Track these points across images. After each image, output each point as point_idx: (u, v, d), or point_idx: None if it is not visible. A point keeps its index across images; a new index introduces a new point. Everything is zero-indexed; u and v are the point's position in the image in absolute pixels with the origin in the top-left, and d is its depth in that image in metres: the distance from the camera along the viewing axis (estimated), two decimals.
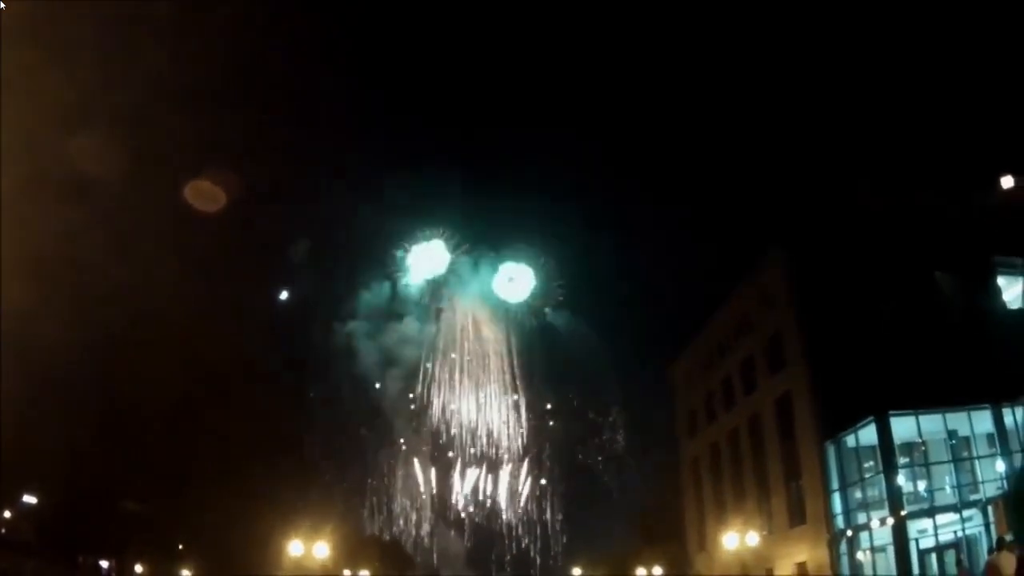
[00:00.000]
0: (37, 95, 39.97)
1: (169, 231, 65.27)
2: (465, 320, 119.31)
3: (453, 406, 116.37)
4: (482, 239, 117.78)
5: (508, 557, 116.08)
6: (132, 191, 54.47)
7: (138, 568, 66.93)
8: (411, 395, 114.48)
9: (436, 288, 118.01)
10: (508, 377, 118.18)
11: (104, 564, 64.71)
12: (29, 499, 57.37)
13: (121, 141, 51.98)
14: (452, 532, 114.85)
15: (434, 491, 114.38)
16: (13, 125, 35.42)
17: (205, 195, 64.36)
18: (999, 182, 39.41)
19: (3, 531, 52.97)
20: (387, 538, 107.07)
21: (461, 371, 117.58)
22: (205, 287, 71.25)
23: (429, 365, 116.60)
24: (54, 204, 44.35)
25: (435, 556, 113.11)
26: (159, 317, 60.28)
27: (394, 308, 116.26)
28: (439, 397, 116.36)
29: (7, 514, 55.63)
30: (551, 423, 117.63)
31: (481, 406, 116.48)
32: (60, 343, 47.45)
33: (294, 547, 50.39)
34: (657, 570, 68.40)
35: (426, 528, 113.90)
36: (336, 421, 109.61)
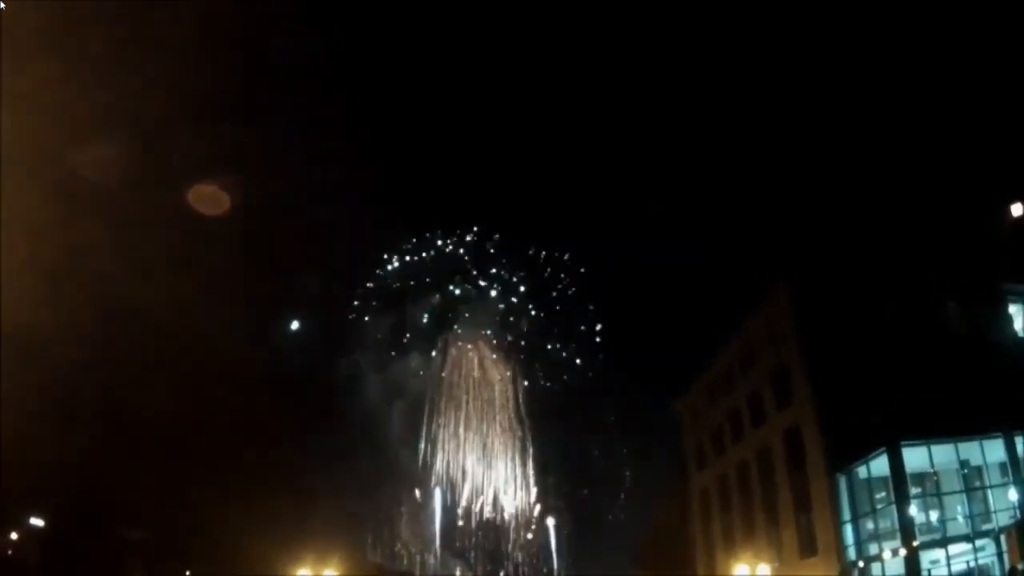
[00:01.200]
0: (39, 99, 40.31)
1: (173, 241, 64.87)
2: (471, 352, 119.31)
3: (457, 441, 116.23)
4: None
5: None
6: (135, 196, 54.39)
7: None
8: (418, 423, 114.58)
9: (442, 316, 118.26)
10: (512, 411, 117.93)
11: None
12: (36, 521, 57.25)
13: (124, 146, 52.14)
14: (458, 563, 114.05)
15: (439, 521, 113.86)
16: (15, 129, 35.68)
17: (208, 200, 64.43)
18: (1008, 210, 39.69)
19: (9, 552, 52.81)
20: (394, 567, 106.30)
21: (466, 404, 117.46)
22: (206, 303, 71.18)
23: (434, 397, 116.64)
24: (55, 207, 44.43)
25: None
26: (161, 331, 60.19)
27: (399, 338, 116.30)
28: (443, 430, 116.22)
29: (14, 536, 55.49)
30: (556, 456, 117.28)
31: (486, 440, 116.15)
32: (60, 357, 47.43)
33: None
34: None
35: (431, 561, 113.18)
36: (339, 450, 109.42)
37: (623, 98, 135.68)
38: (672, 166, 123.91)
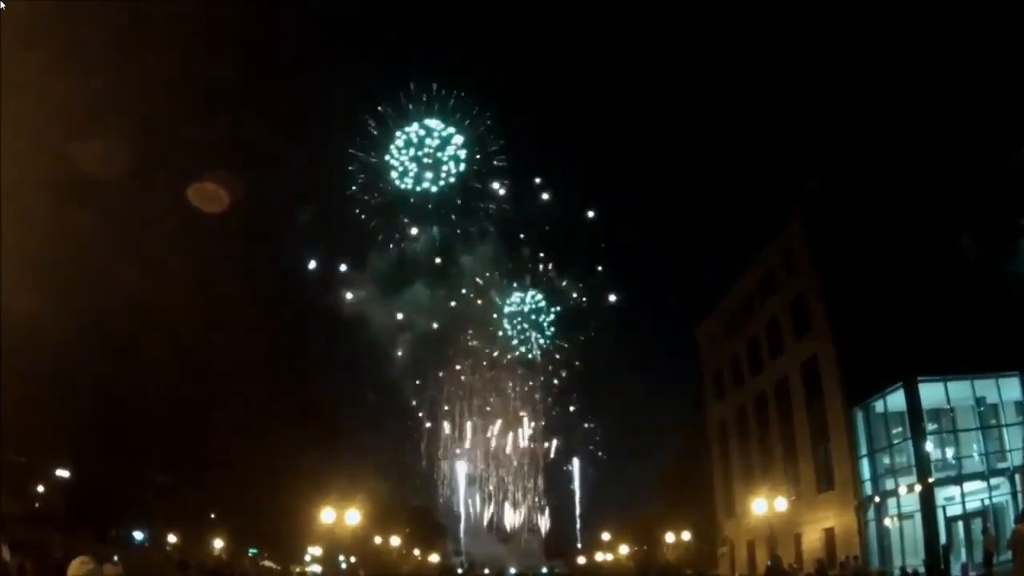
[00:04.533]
0: (40, 94, 39.61)
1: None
2: (476, 279, 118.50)
3: (467, 371, 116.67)
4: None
5: (533, 522, 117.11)
6: (133, 181, 53.68)
7: (171, 538, 67.69)
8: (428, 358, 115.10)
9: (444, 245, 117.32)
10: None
11: (138, 535, 65.44)
12: (62, 473, 57.93)
13: (121, 135, 51.40)
14: (476, 497, 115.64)
15: (456, 454, 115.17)
16: (15, 125, 35.08)
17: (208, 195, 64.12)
18: None
19: (36, 505, 53.72)
20: (416, 503, 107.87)
21: (475, 339, 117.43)
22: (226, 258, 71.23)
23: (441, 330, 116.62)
24: (56, 201, 43.96)
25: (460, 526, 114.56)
26: (181, 287, 60.09)
27: (402, 272, 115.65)
28: (453, 363, 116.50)
29: (40, 488, 56.28)
30: (575, 390, 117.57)
31: (499, 370, 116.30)
32: (78, 317, 47.28)
33: (326, 515, 50.57)
34: (686, 535, 68.43)
35: (445, 492, 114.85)
36: (357, 386, 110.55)
37: (636, 24, 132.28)
38: (698, 89, 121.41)
